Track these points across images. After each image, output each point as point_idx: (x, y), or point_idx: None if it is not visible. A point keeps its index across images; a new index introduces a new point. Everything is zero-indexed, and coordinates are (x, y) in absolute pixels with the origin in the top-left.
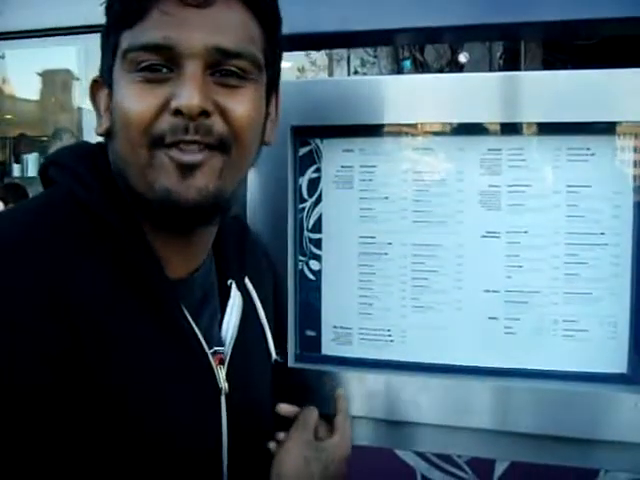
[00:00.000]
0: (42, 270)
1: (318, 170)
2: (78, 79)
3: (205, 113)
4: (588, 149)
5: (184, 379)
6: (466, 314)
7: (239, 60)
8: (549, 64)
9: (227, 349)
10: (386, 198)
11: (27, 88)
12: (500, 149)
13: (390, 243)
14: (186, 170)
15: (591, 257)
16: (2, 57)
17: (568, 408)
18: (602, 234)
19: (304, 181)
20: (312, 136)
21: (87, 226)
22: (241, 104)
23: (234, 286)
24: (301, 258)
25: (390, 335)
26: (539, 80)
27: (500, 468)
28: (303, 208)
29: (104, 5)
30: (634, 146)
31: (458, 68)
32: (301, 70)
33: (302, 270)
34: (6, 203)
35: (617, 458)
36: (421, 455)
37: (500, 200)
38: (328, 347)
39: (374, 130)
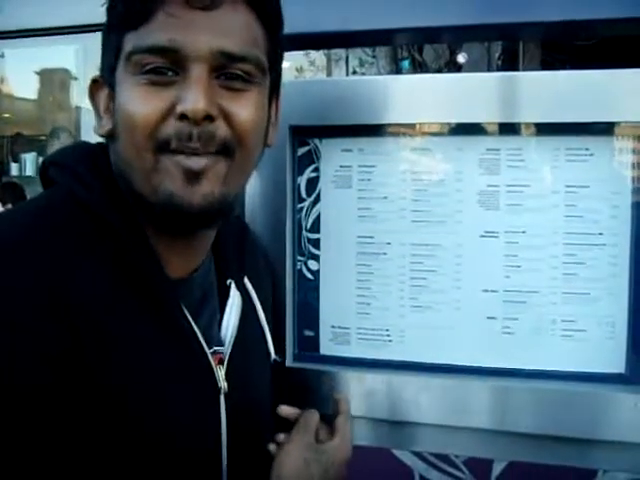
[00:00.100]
0: (42, 270)
1: (317, 170)
2: (76, 78)
3: (210, 117)
4: (587, 149)
5: (184, 379)
6: (465, 314)
7: (244, 64)
8: (548, 64)
9: (226, 349)
10: (385, 198)
11: (25, 87)
12: (499, 149)
13: (389, 243)
14: (191, 176)
15: (589, 257)
16: (1, 56)
17: (566, 408)
18: (600, 234)
19: (302, 181)
20: (311, 136)
21: (87, 226)
22: (245, 108)
23: (233, 286)
24: (299, 258)
25: (388, 335)
26: (538, 80)
27: (498, 468)
28: (301, 208)
29: (106, 5)
30: (633, 146)
31: (456, 68)
32: (299, 70)
33: (300, 270)
34: (4, 202)
35: (615, 458)
36: (419, 455)
37: (499, 200)
38: (326, 347)
39: (373, 130)
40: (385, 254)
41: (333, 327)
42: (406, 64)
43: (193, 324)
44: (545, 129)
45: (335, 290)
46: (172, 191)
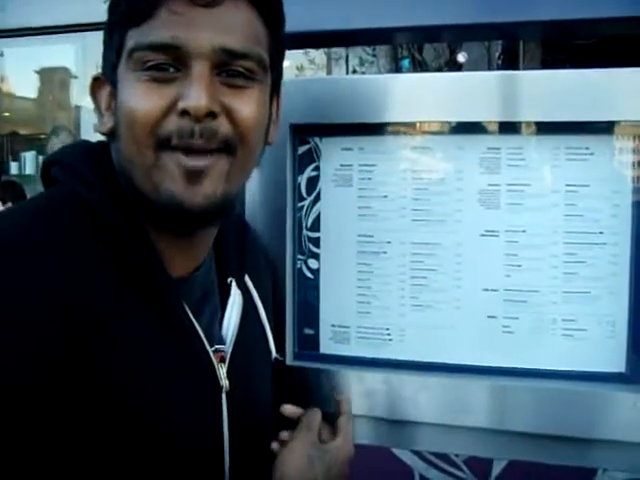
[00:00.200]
0: (44, 270)
1: (317, 168)
2: (76, 77)
3: (212, 114)
4: (587, 148)
5: (185, 377)
6: (465, 313)
7: (246, 61)
8: (548, 64)
9: (228, 347)
10: (385, 197)
11: (25, 86)
12: (499, 148)
13: (389, 242)
14: (193, 176)
15: (590, 256)
16: (1, 55)
17: (566, 407)
18: (601, 233)
19: (303, 179)
20: (311, 134)
21: (89, 225)
22: (247, 105)
23: (234, 284)
24: (299, 257)
25: (389, 334)
26: (538, 79)
27: (497, 467)
28: (302, 206)
29: (107, 3)
30: (633, 146)
31: (457, 68)
32: (300, 69)
33: (300, 269)
34: (4, 201)
35: (615, 457)
36: (419, 454)
37: (499, 199)
38: (326, 346)
39: (373, 129)
40: (385, 253)
41: (333, 326)
42: (406, 63)
43: (195, 322)
44: (545, 128)
45: (335, 289)
46: (173, 192)
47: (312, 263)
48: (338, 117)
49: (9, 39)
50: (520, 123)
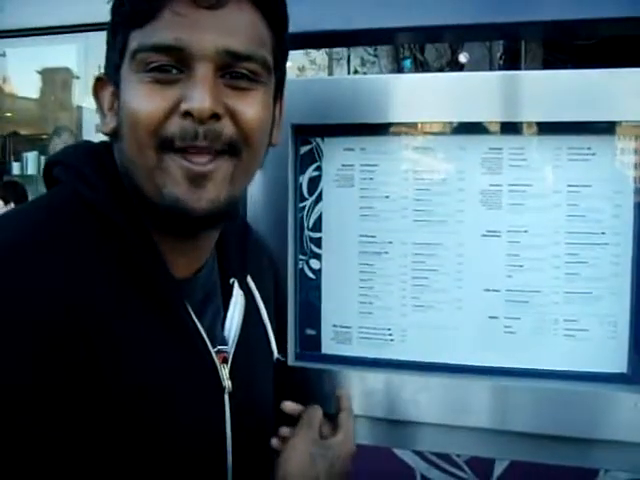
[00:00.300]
0: (47, 271)
1: (319, 169)
2: (78, 77)
3: (216, 116)
4: (589, 149)
5: (188, 378)
6: (466, 313)
7: (250, 63)
8: (549, 64)
9: (230, 348)
10: (387, 197)
11: (27, 86)
12: (501, 148)
13: (390, 242)
14: (197, 179)
15: (591, 256)
16: (3, 55)
17: (568, 408)
18: (602, 234)
19: (304, 180)
20: (313, 135)
21: (92, 226)
22: (251, 107)
23: (236, 285)
24: (301, 257)
25: (390, 334)
26: (540, 79)
27: (499, 468)
28: (303, 207)
29: (110, 3)
30: (635, 146)
31: (458, 68)
32: (301, 69)
33: (302, 269)
34: (6, 201)
35: (617, 458)
36: (420, 454)
37: (501, 199)
38: (328, 346)
39: (375, 129)
40: (387, 253)
41: (335, 326)
42: (408, 63)
43: (197, 323)
44: (547, 128)
45: (337, 289)
46: (177, 195)
47: (314, 263)
48: (340, 117)
49: (11, 39)
50: (522, 123)
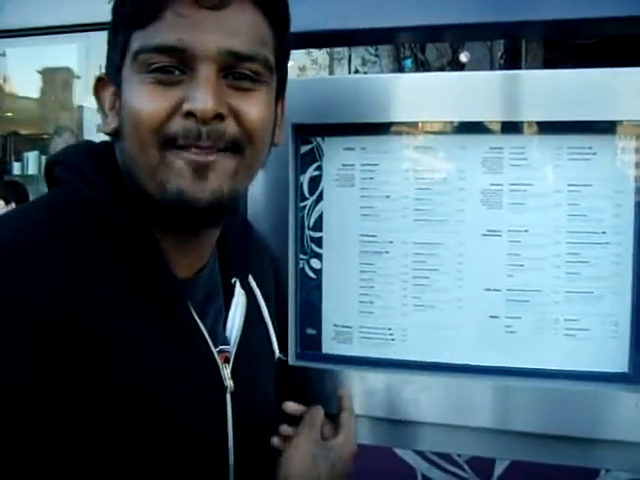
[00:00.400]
0: (46, 271)
1: (319, 168)
2: (79, 77)
3: (220, 117)
4: (589, 148)
5: (190, 378)
6: (467, 313)
7: (252, 63)
8: (550, 63)
9: (232, 347)
10: (387, 196)
11: (27, 86)
12: (502, 148)
13: (391, 242)
14: (200, 171)
15: (592, 256)
16: (3, 55)
17: (569, 407)
18: (603, 233)
19: (305, 179)
20: (313, 134)
21: (93, 225)
22: (254, 107)
23: (238, 285)
24: (302, 256)
25: (391, 334)
26: (540, 79)
27: (500, 467)
28: (304, 206)
29: (112, 4)
30: (636, 145)
31: (459, 67)
32: (302, 69)
33: (303, 269)
34: (7, 201)
35: (618, 457)
36: (421, 454)
37: (501, 199)
38: (328, 346)
39: (376, 128)
40: (388, 253)
41: (335, 326)
42: (409, 63)
43: (200, 323)
44: (548, 128)
45: (337, 289)
46: (181, 188)
47: (314, 263)
48: (340, 117)
49: (12, 39)
50: (522, 123)
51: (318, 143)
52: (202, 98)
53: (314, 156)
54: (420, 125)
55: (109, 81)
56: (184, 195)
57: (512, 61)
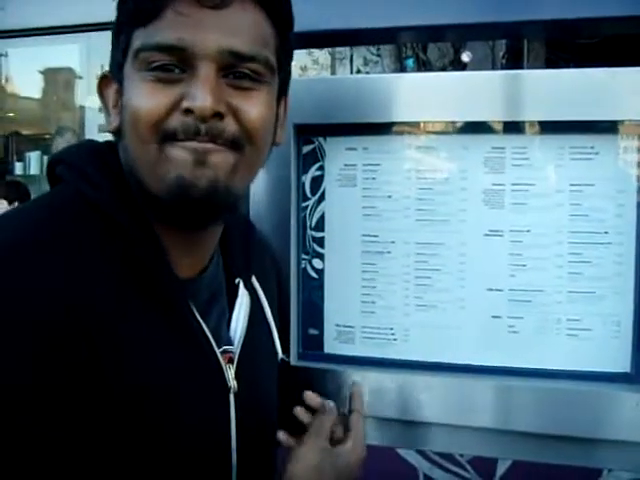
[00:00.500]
0: (46, 270)
1: (321, 168)
2: (80, 77)
3: (219, 115)
4: (592, 148)
5: (193, 378)
6: (469, 313)
7: (253, 63)
8: (552, 63)
9: (236, 348)
10: (389, 196)
11: (29, 86)
12: (504, 148)
13: (393, 242)
14: (198, 159)
15: (595, 256)
16: (5, 55)
17: (571, 407)
18: (606, 233)
19: (307, 179)
20: (315, 134)
21: (95, 225)
22: (254, 106)
23: (242, 285)
24: (304, 256)
25: (393, 334)
26: (542, 78)
27: (502, 467)
28: (306, 206)
29: (115, 2)
30: (638, 145)
31: (461, 67)
32: (304, 69)
33: (305, 269)
34: (9, 201)
35: (620, 457)
36: (423, 454)
37: (503, 199)
38: (331, 346)
39: (378, 128)
40: (389, 253)
41: (338, 326)
42: (410, 63)
43: (202, 323)
44: (550, 127)
45: (339, 289)
46: (181, 175)
47: (316, 263)
48: (342, 117)
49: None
50: (524, 123)
51: (320, 143)
52: (201, 96)
53: (316, 156)
54: (422, 125)
55: (112, 79)
56: (183, 181)
57: (514, 61)
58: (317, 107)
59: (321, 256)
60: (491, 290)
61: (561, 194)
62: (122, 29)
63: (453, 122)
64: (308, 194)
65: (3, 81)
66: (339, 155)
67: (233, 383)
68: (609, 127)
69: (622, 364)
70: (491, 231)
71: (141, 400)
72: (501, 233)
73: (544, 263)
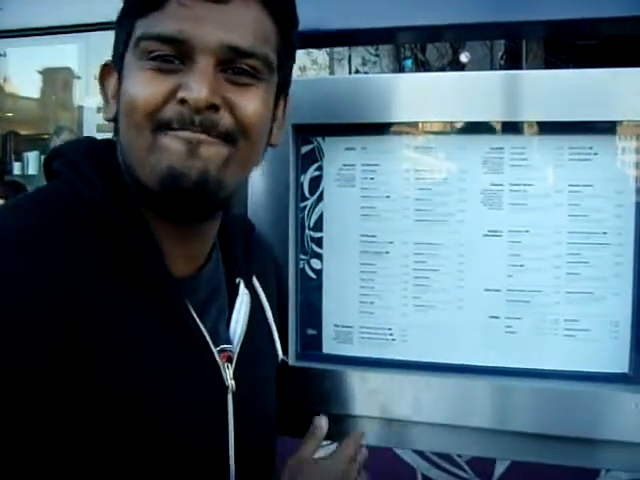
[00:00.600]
0: (40, 268)
1: (320, 168)
2: (79, 77)
3: (214, 107)
4: (590, 148)
5: (189, 376)
6: (467, 313)
7: (252, 59)
8: (550, 64)
9: (235, 347)
10: (388, 197)
11: (28, 86)
12: (502, 148)
13: (391, 242)
14: (191, 149)
15: (593, 256)
16: (3, 55)
17: (569, 408)
18: (604, 233)
19: (306, 179)
20: (314, 134)
21: (90, 223)
22: (251, 102)
23: (242, 285)
24: (302, 257)
25: (391, 334)
26: (541, 79)
27: (500, 468)
28: (304, 206)
29: (114, 1)
30: (636, 145)
31: (459, 68)
32: (302, 69)
33: (303, 269)
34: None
35: (618, 458)
36: (421, 454)
37: (502, 199)
38: (329, 346)
39: (376, 129)
40: (388, 253)
41: (336, 326)
42: (409, 63)
43: (199, 322)
44: (548, 128)
45: (338, 289)
46: (172, 164)
47: (315, 263)
48: (341, 117)
49: (12, 39)
50: (523, 123)
51: (319, 143)
52: (197, 87)
53: (314, 156)
54: (421, 125)
55: (113, 68)
56: (174, 171)
57: (513, 61)
58: (316, 107)
59: (319, 256)
60: (489, 290)
61: (560, 194)
62: (125, 18)
63: (452, 122)
64: (306, 194)
65: (1, 81)
66: (338, 155)
67: (231, 383)
68: (608, 128)
69: (620, 365)
70: (490, 231)
71: (136, 398)
72: (500, 233)
73: (542, 263)
